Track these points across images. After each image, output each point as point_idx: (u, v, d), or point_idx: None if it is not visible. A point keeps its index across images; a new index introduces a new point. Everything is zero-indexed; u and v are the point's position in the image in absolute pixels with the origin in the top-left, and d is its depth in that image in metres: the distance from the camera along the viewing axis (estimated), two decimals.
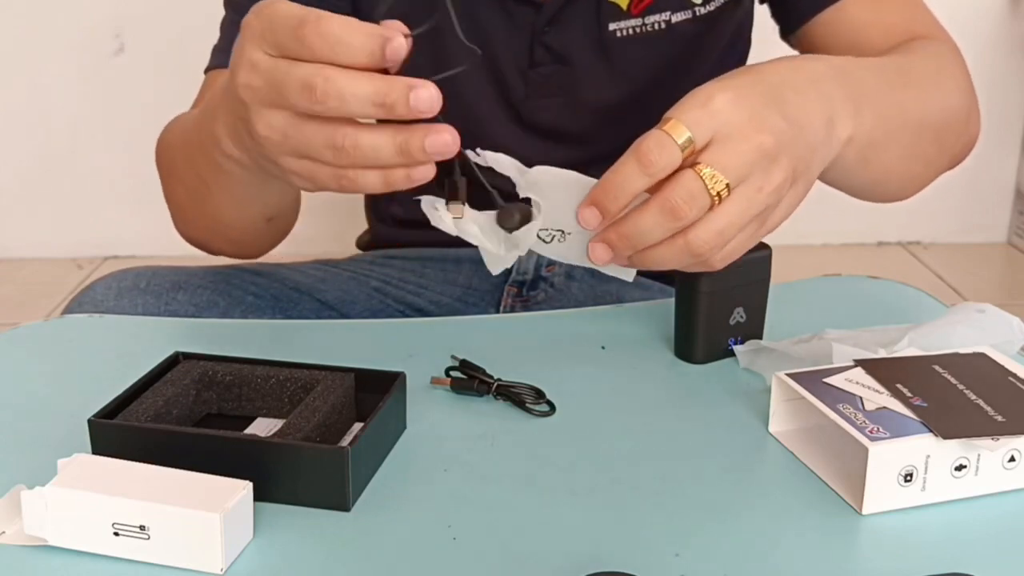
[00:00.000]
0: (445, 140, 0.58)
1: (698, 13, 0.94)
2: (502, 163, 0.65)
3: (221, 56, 0.94)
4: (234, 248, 0.92)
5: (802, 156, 0.66)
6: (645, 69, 0.96)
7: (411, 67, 0.58)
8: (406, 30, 0.58)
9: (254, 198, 0.79)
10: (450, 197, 0.65)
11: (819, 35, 0.94)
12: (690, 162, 0.63)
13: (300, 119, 0.59)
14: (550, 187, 0.66)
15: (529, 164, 0.66)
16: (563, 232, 0.68)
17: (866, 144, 0.73)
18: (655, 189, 0.63)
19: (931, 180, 0.87)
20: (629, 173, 0.62)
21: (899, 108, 0.77)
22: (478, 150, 0.64)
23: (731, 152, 0.62)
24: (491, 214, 0.67)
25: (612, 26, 0.93)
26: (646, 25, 0.94)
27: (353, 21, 0.57)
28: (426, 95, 0.56)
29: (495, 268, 0.70)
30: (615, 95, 0.97)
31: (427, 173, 0.60)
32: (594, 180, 0.65)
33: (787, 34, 0.98)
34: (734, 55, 1.04)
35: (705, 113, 0.63)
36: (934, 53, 0.87)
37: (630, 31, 0.94)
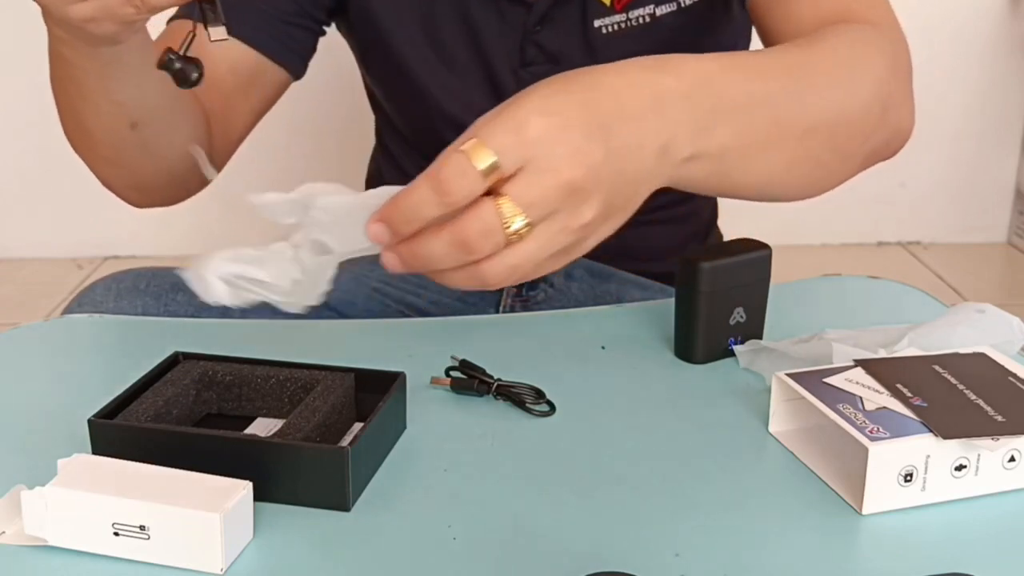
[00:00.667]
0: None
1: (683, 4, 0.93)
2: (277, 208, 0.60)
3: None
4: (117, 173, 0.89)
5: (620, 191, 0.60)
6: None
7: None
8: None
9: (100, 90, 0.78)
10: (208, 22, 0.66)
11: (758, 5, 0.90)
12: (494, 189, 0.56)
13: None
14: (336, 221, 0.60)
15: None
16: (364, 250, 0.62)
17: (721, 158, 0.67)
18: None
19: (843, 178, 0.80)
20: (424, 199, 0.56)
21: (774, 114, 0.71)
22: (250, 197, 0.60)
23: (539, 187, 0.56)
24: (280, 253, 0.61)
25: (597, 23, 0.93)
26: (630, 20, 0.93)
27: None
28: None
29: (296, 307, 0.63)
30: None
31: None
32: (386, 194, 0.58)
33: None
34: (724, 45, 1.03)
35: (517, 140, 0.56)
36: (851, 41, 0.80)
37: (615, 27, 0.94)
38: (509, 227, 0.56)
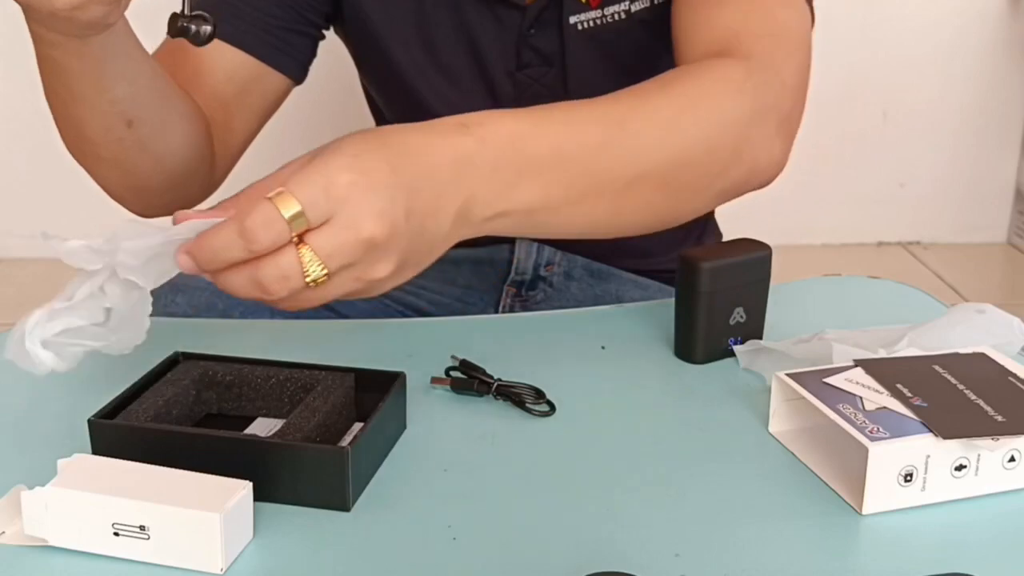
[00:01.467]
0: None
1: (655, 1, 0.93)
2: (81, 256, 0.59)
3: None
4: (118, 176, 0.88)
5: (416, 249, 0.63)
6: (615, 58, 0.96)
7: None
8: None
9: (93, 90, 0.78)
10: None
11: (672, 16, 0.90)
12: (296, 238, 0.58)
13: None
14: (143, 263, 0.60)
15: None
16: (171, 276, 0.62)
17: (529, 214, 0.69)
18: None
19: (693, 212, 0.80)
20: (229, 243, 0.58)
21: (590, 168, 0.71)
22: (53, 244, 0.60)
23: (340, 241, 0.59)
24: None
25: (573, 19, 0.93)
26: (606, 16, 0.93)
27: None
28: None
29: (124, 348, 0.64)
30: (592, 85, 0.97)
31: None
32: (192, 230, 0.59)
33: None
34: None
35: (324, 196, 0.58)
36: (708, 82, 0.79)
37: (590, 23, 0.94)
38: (308, 275, 0.59)
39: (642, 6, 0.93)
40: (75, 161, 0.89)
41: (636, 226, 0.77)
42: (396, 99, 1.03)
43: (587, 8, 0.93)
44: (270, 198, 0.58)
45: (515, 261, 1.05)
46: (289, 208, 0.57)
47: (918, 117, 2.67)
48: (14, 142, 2.52)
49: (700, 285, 0.76)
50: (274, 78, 0.95)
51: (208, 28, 0.71)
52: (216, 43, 0.91)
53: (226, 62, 0.92)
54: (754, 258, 0.78)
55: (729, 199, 0.81)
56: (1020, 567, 0.56)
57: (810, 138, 2.73)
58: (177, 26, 0.71)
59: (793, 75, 0.82)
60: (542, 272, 1.05)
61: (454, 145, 0.65)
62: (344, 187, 0.59)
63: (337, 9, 0.97)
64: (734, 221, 1.22)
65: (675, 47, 0.87)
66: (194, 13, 0.71)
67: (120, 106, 0.80)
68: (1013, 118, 2.72)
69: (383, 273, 0.62)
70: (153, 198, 0.91)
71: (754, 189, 0.81)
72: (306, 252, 0.58)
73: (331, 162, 0.59)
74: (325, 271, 0.59)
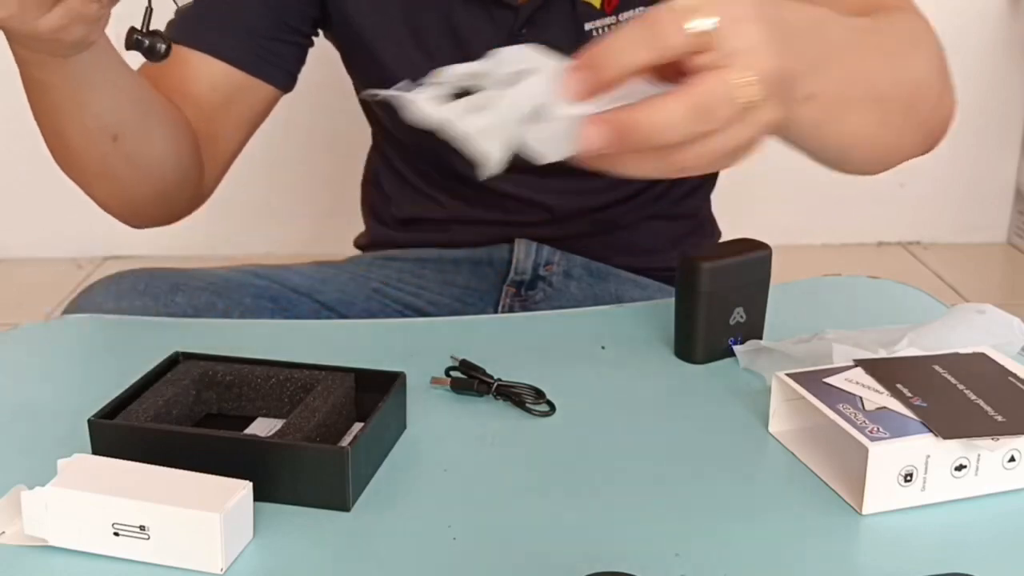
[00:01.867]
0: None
1: None
2: (419, 106, 0.55)
3: (189, 22, 0.92)
4: (108, 191, 0.88)
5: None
6: None
7: None
8: None
9: (77, 106, 0.79)
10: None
11: None
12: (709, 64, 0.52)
13: None
14: (522, 71, 0.52)
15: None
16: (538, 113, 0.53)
17: (830, 104, 0.65)
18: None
19: (904, 155, 0.79)
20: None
21: (868, 71, 0.70)
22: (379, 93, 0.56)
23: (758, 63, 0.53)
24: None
25: (588, 25, 0.94)
26: (620, 22, 0.94)
27: None
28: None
29: (552, 153, 0.54)
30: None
31: None
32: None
33: None
34: None
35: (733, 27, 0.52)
36: (907, 23, 0.81)
37: (606, 29, 0.94)
38: (741, 98, 0.52)
39: None
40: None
41: (881, 149, 0.75)
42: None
43: (602, 14, 0.93)
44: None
45: (514, 261, 1.05)
46: (697, 18, 0.51)
47: None
48: (14, 142, 2.52)
49: (700, 285, 0.76)
50: (259, 88, 0.95)
51: (163, 46, 0.72)
52: (199, 55, 0.92)
53: (210, 73, 0.92)
54: (754, 258, 0.78)
55: (916, 149, 0.80)
56: (1020, 567, 0.56)
57: None
58: (133, 39, 0.71)
59: None
60: (541, 272, 1.05)
61: (775, 15, 0.58)
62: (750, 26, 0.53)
63: (325, 14, 0.97)
64: (734, 221, 1.22)
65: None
66: (151, 30, 0.72)
67: (103, 120, 0.81)
68: (1013, 118, 2.72)
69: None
70: (142, 209, 0.92)
71: (930, 147, 0.81)
72: (734, 72, 0.51)
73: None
74: (762, 93, 0.52)
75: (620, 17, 0.93)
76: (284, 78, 0.97)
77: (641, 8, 0.93)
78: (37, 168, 2.85)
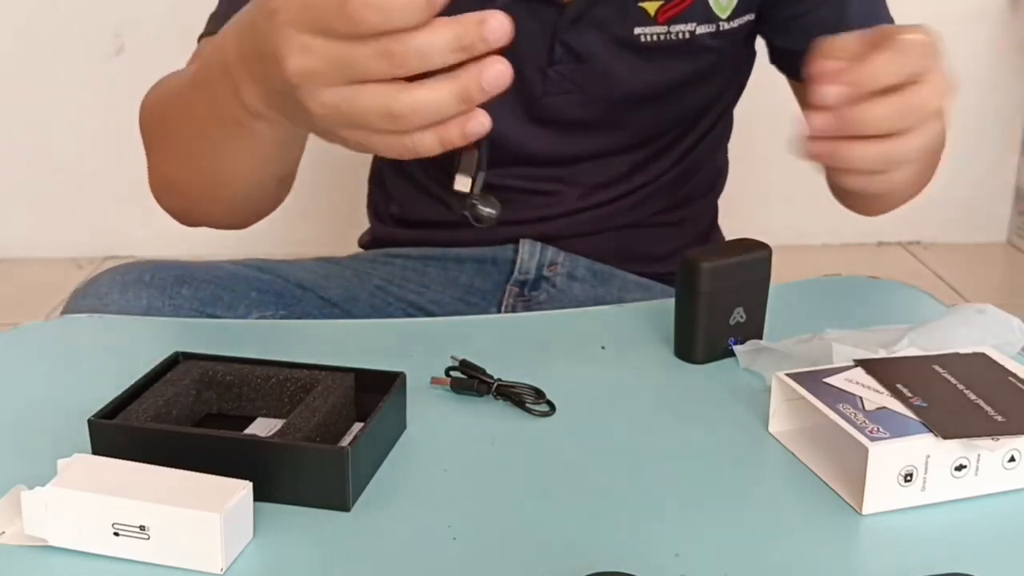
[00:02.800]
0: (500, 70, 0.55)
1: (721, 28, 0.96)
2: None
3: (211, 23, 0.92)
4: (227, 215, 0.87)
5: None
6: (665, 73, 0.97)
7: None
8: None
9: (276, 156, 0.75)
10: (457, 169, 0.62)
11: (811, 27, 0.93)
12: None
13: (355, 92, 0.57)
14: None
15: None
16: None
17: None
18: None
19: (905, 201, 0.91)
20: (888, 62, 0.65)
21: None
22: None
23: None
24: None
25: (638, 30, 0.95)
26: (671, 33, 0.95)
27: None
28: (497, 23, 0.54)
29: None
30: (634, 92, 0.98)
31: (483, 123, 0.57)
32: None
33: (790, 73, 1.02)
34: (747, 65, 1.06)
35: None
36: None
37: (655, 37, 0.95)
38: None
39: (708, 30, 0.95)
40: (167, 201, 0.87)
41: (899, 198, 0.92)
42: None
43: (654, 22, 0.94)
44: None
45: (518, 261, 1.05)
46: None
47: None
48: (14, 142, 2.52)
49: (700, 285, 0.76)
50: None
51: (495, 211, 0.64)
52: None
53: None
54: (754, 258, 0.78)
55: (914, 196, 0.95)
56: (1020, 567, 0.56)
57: None
58: (473, 211, 0.64)
59: None
60: (545, 272, 1.06)
61: None
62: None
63: None
64: (734, 221, 1.22)
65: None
66: (483, 193, 0.64)
67: (288, 166, 0.79)
68: (1013, 118, 2.72)
69: None
70: (253, 220, 0.89)
71: (906, 201, 0.95)
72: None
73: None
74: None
75: (671, 29, 0.94)
76: None
77: (694, 24, 0.94)
78: (37, 168, 2.87)
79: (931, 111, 0.67)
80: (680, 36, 0.95)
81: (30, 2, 2.43)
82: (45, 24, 2.44)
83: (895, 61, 0.65)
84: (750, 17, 0.98)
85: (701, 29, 0.95)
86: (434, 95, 0.56)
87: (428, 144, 0.58)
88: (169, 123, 0.82)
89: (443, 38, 0.54)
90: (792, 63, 0.99)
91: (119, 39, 2.50)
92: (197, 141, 0.77)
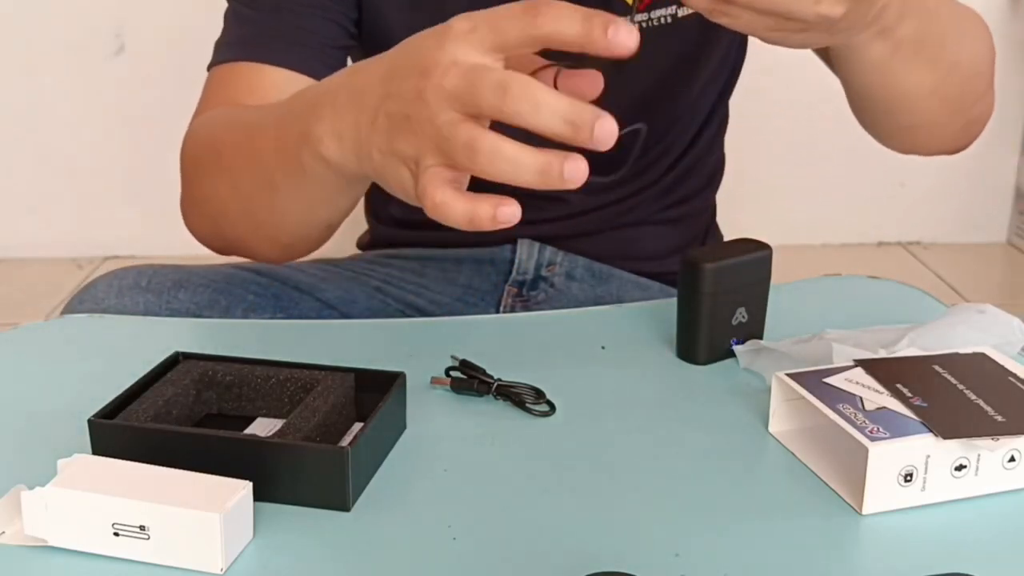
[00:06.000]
0: (583, 169, 0.54)
1: None
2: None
3: (226, 51, 0.92)
4: (267, 251, 0.87)
5: None
6: (654, 60, 0.97)
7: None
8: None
9: (330, 202, 0.75)
10: None
11: None
12: None
13: (461, 120, 0.56)
14: None
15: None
16: None
17: (901, 44, 0.74)
18: None
19: (940, 140, 0.86)
20: None
21: (941, 35, 0.78)
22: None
23: None
24: None
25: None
26: (652, 20, 0.94)
27: None
28: (609, 128, 0.54)
29: None
30: (631, 86, 0.98)
31: (515, 214, 0.56)
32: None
33: None
34: (737, 46, 1.05)
35: None
36: (974, 16, 0.88)
37: (637, 25, 0.94)
38: None
39: (688, 11, 0.94)
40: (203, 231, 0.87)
41: (930, 115, 0.84)
42: None
43: (634, 11, 0.94)
44: None
45: (517, 261, 1.05)
46: None
47: None
48: (14, 142, 2.52)
49: (702, 286, 0.76)
50: None
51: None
52: (283, 72, 0.90)
53: (294, 89, 0.91)
54: (755, 258, 0.78)
55: (958, 134, 0.89)
56: (1020, 567, 0.56)
57: (810, 138, 2.73)
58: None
59: None
60: (543, 272, 1.05)
61: None
62: None
63: (357, 25, 0.97)
64: (734, 221, 1.22)
65: None
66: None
67: (340, 215, 0.79)
68: (1013, 118, 2.72)
69: None
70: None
71: (966, 144, 0.90)
72: None
73: None
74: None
75: (652, 15, 0.94)
76: None
77: (674, 7, 0.94)
78: (37, 168, 2.86)
79: None
80: (662, 21, 0.94)
81: (30, 2, 2.43)
82: (45, 24, 2.45)
83: None
84: None
85: (683, 11, 0.94)
86: (519, 152, 0.55)
87: (459, 211, 0.56)
88: (227, 158, 0.81)
89: (560, 104, 0.54)
90: None
91: (119, 39, 2.50)
92: (253, 180, 0.76)
